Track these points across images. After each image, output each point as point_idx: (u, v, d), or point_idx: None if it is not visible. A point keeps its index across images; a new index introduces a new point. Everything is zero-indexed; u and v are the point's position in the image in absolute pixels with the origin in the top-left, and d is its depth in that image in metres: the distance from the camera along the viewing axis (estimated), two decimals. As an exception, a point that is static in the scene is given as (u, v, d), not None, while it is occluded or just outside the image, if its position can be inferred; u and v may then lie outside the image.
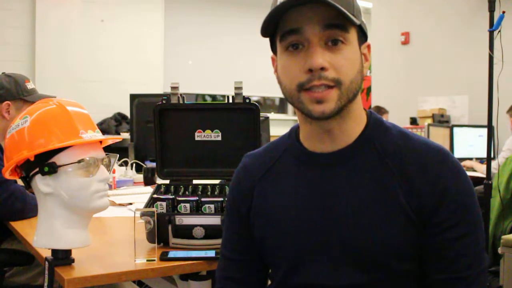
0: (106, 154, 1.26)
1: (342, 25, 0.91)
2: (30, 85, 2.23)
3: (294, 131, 1.06)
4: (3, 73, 2.25)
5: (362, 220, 0.94)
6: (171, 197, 1.48)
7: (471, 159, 4.47)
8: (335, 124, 0.96)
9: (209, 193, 1.59)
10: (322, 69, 0.89)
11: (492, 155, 2.76)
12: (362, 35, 0.98)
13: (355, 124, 0.98)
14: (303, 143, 1.02)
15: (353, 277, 0.94)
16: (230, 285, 1.09)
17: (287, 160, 1.04)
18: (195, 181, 1.66)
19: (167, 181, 1.66)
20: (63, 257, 1.23)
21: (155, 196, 1.50)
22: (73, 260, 1.24)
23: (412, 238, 0.93)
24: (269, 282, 1.12)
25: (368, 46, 1.00)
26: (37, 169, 1.18)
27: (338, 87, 0.91)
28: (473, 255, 0.93)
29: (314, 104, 0.91)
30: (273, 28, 0.95)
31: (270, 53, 1.02)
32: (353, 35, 0.93)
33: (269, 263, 1.07)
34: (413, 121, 5.39)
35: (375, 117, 1.01)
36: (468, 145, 4.62)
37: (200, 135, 1.66)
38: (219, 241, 1.36)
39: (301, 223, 0.99)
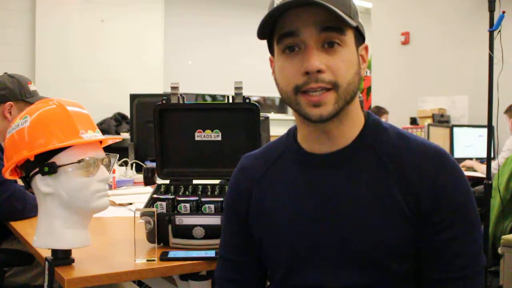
0: (106, 154, 1.26)
1: (339, 27, 0.91)
2: (32, 87, 2.23)
3: (292, 132, 1.06)
4: (5, 73, 2.25)
5: (360, 221, 0.94)
6: (171, 197, 1.48)
7: (471, 159, 4.47)
8: (333, 126, 0.96)
9: (209, 193, 1.59)
10: (319, 71, 0.89)
11: (492, 155, 2.76)
12: (360, 37, 0.97)
13: (353, 126, 0.99)
14: (301, 144, 1.03)
15: (351, 278, 0.95)
16: (229, 286, 1.09)
17: (285, 161, 1.05)
18: (195, 181, 1.66)
19: (167, 181, 1.66)
20: (63, 257, 1.23)
21: (155, 196, 1.50)
22: (73, 260, 1.24)
23: (410, 238, 0.94)
24: (268, 283, 1.12)
25: (366, 48, 1.00)
26: (37, 169, 1.18)
27: (335, 90, 0.91)
28: (470, 255, 0.93)
29: (311, 107, 0.92)
30: (269, 30, 0.95)
31: (269, 54, 1.02)
32: (350, 37, 0.93)
33: (267, 263, 1.07)
34: (413, 121, 5.39)
35: (373, 118, 1.02)
36: (468, 145, 4.62)
37: (200, 135, 1.66)
38: (219, 241, 1.36)
39: (299, 224, 0.99)
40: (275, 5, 0.91)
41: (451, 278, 0.93)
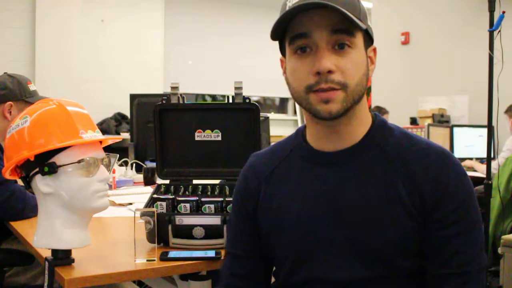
0: (106, 154, 1.26)
1: (349, 30, 0.94)
2: (32, 87, 2.23)
3: (301, 132, 1.10)
4: (5, 73, 2.25)
5: (366, 217, 0.98)
6: (171, 197, 1.48)
7: (471, 159, 4.47)
8: (342, 125, 1.00)
9: (209, 193, 1.59)
10: (329, 72, 0.93)
11: (492, 155, 2.76)
12: (368, 39, 1.01)
13: (360, 125, 1.02)
14: (310, 142, 1.06)
15: (356, 272, 0.98)
16: (235, 281, 1.12)
17: (294, 159, 1.08)
18: (195, 181, 1.66)
19: (167, 181, 1.66)
20: (63, 257, 1.23)
21: (155, 196, 1.50)
22: (73, 260, 1.24)
23: (414, 234, 0.97)
24: (273, 279, 1.15)
25: (374, 50, 1.04)
26: (37, 169, 1.18)
27: (343, 90, 0.94)
28: (472, 253, 0.96)
29: (321, 104, 0.95)
30: (282, 31, 0.98)
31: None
32: (359, 39, 0.97)
33: (275, 259, 1.10)
34: (413, 121, 5.39)
35: (379, 119, 1.06)
36: (468, 145, 4.62)
37: (200, 135, 1.66)
38: (219, 241, 1.37)
39: (307, 220, 1.02)
40: (287, 8, 0.94)
41: (452, 274, 0.95)
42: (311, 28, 0.94)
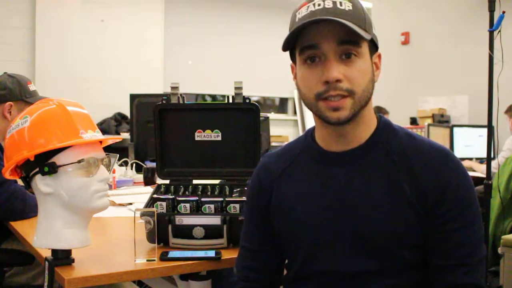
0: (106, 154, 1.26)
1: (355, 40, 1.00)
2: (32, 87, 2.23)
3: (310, 133, 1.16)
4: (5, 73, 2.25)
5: (373, 213, 1.03)
6: (171, 197, 1.48)
7: (471, 159, 4.47)
8: (349, 128, 1.06)
9: (209, 193, 1.60)
10: (338, 80, 0.99)
11: (492, 155, 2.76)
12: (373, 46, 1.06)
13: (366, 127, 1.08)
14: (319, 143, 1.12)
15: (364, 265, 1.04)
16: (249, 273, 1.19)
17: (304, 159, 1.14)
18: (195, 181, 1.66)
19: (167, 181, 1.66)
20: (63, 257, 1.23)
21: (155, 196, 1.50)
22: (73, 260, 1.24)
23: (417, 228, 1.03)
24: (285, 272, 1.21)
25: (379, 56, 1.09)
26: (37, 169, 1.18)
27: (351, 96, 1.01)
28: (472, 245, 1.03)
29: (330, 111, 1.01)
30: (292, 42, 1.04)
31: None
32: (365, 48, 1.03)
33: (287, 253, 1.17)
34: (413, 121, 5.39)
35: (384, 120, 1.12)
36: (468, 145, 4.62)
37: (200, 135, 1.66)
38: (219, 241, 1.37)
39: (316, 216, 1.08)
40: (297, 19, 1.02)
41: (454, 265, 1.01)
42: (319, 40, 1.00)
